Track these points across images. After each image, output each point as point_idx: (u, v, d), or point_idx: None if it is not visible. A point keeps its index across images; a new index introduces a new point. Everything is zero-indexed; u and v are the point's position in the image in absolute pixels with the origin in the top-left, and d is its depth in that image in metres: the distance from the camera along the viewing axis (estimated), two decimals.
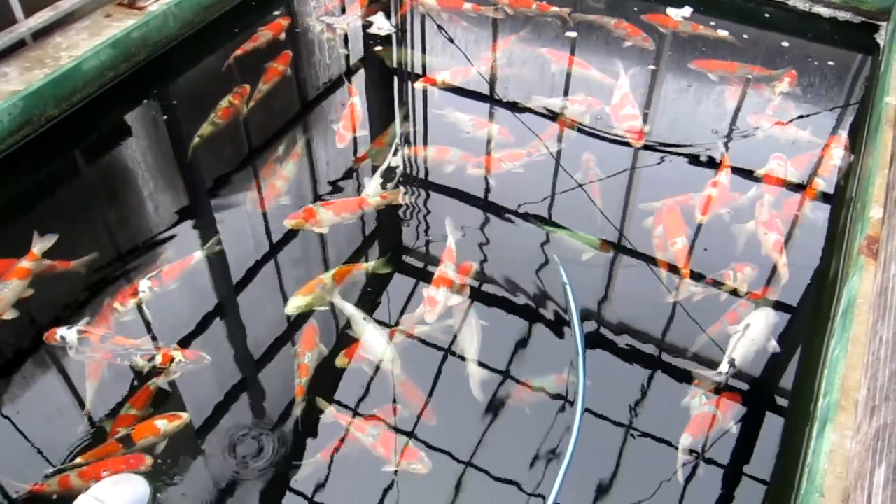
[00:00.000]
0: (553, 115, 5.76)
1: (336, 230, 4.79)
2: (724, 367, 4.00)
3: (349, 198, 5.00)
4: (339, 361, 4.02)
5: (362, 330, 4.13)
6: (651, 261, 4.63)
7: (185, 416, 3.71)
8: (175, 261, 4.51)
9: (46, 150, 5.26)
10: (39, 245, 4.41)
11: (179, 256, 4.55)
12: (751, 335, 4.13)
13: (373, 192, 4.97)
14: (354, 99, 5.79)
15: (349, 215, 4.82)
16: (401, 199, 4.98)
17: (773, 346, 4.15)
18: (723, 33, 6.71)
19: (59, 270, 4.41)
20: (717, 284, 4.46)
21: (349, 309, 4.24)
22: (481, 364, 4.04)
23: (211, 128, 5.41)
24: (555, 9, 6.96)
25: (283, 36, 6.50)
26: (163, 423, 3.65)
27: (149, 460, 3.55)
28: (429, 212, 5.11)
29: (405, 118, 5.80)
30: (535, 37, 6.71)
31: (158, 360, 3.94)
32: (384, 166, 5.17)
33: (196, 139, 5.35)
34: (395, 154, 5.25)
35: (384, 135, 5.54)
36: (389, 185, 5.01)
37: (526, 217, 4.95)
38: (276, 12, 6.73)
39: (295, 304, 4.24)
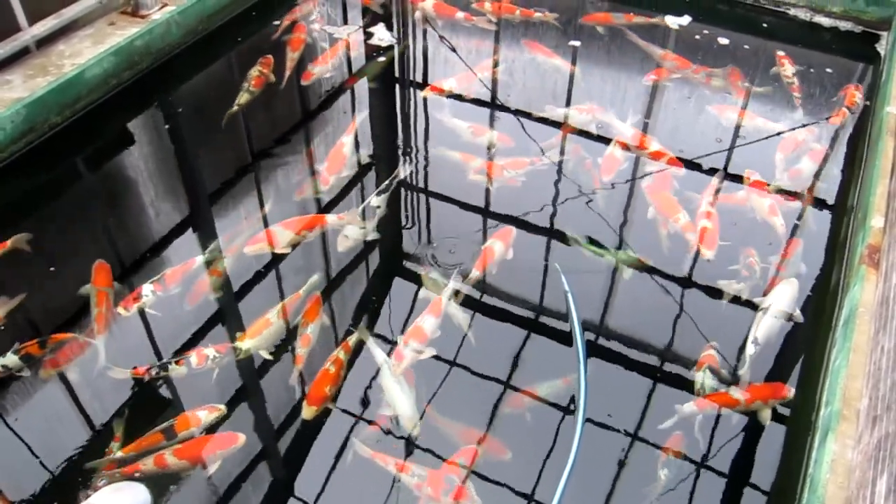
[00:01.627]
0: (559, 125, 5.77)
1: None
2: (749, 348, 4.07)
3: (306, 216, 4.90)
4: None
5: (390, 388, 3.95)
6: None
7: (222, 407, 3.80)
8: (177, 265, 4.53)
9: (49, 157, 5.27)
10: (3, 308, 4.24)
11: (181, 261, 4.57)
12: (774, 312, 4.22)
13: (349, 231, 4.80)
14: (345, 138, 5.51)
15: (308, 233, 4.78)
16: (359, 221, 4.88)
17: (798, 316, 4.25)
18: (655, 20, 6.92)
19: None
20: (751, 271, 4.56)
21: (382, 362, 4.07)
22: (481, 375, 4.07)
23: (247, 96, 5.79)
24: (538, 14, 7.01)
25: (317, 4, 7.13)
26: (203, 414, 3.74)
27: (242, 438, 3.64)
28: (430, 219, 5.14)
29: (404, 154, 5.71)
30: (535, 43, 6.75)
31: (194, 361, 3.98)
32: (365, 203, 4.99)
33: (235, 107, 5.70)
34: (378, 195, 5.03)
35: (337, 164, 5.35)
36: (369, 224, 4.85)
37: (529, 225, 4.96)
38: (276, 21, 6.76)
39: (243, 348, 4.10)
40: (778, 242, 4.77)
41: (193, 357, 4.00)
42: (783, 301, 4.31)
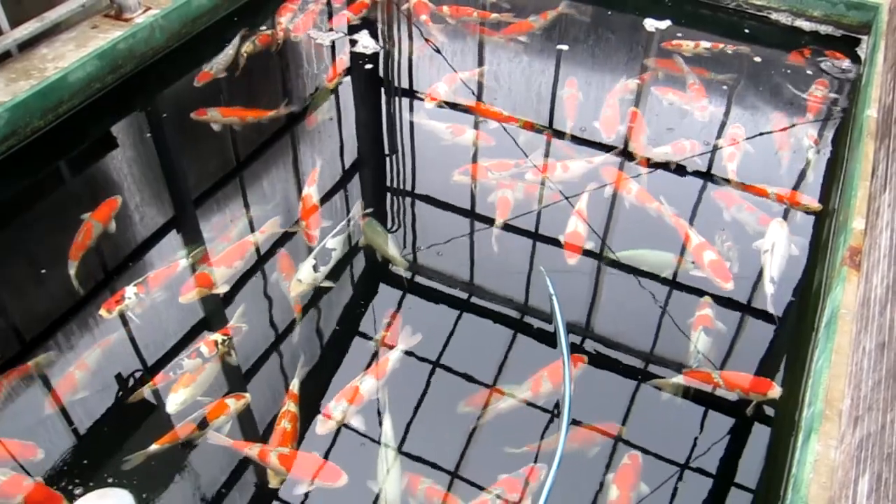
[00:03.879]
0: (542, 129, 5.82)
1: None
2: (768, 287, 4.36)
3: (234, 245, 4.68)
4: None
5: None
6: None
7: (247, 395, 3.88)
8: (160, 268, 4.52)
9: (32, 161, 5.23)
10: None
11: (165, 264, 4.55)
12: (780, 251, 4.55)
13: (303, 276, 4.47)
14: (310, 189, 5.13)
15: (241, 262, 4.59)
16: (278, 229, 4.82)
17: (795, 250, 4.66)
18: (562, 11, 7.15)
19: None
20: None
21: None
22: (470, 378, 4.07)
23: (251, 46, 6.43)
24: (495, 15, 7.09)
25: None
26: (231, 402, 3.82)
27: (344, 479, 3.54)
28: (415, 222, 5.15)
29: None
30: (522, 47, 6.78)
31: (206, 350, 4.00)
32: (320, 246, 4.65)
33: (244, 56, 6.33)
34: (334, 236, 4.72)
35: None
36: (323, 268, 4.53)
37: (514, 228, 4.98)
38: (263, 27, 6.75)
39: (177, 401, 3.82)
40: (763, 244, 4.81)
41: (203, 347, 4.01)
42: (781, 237, 4.63)
